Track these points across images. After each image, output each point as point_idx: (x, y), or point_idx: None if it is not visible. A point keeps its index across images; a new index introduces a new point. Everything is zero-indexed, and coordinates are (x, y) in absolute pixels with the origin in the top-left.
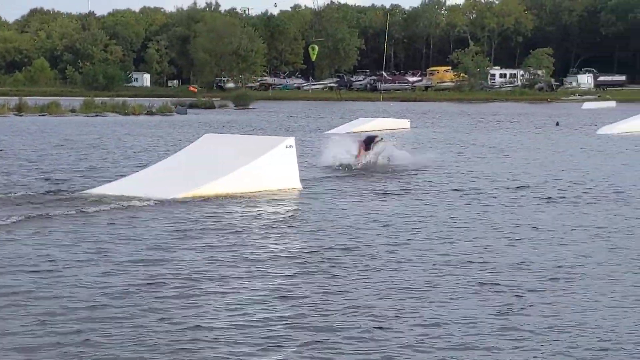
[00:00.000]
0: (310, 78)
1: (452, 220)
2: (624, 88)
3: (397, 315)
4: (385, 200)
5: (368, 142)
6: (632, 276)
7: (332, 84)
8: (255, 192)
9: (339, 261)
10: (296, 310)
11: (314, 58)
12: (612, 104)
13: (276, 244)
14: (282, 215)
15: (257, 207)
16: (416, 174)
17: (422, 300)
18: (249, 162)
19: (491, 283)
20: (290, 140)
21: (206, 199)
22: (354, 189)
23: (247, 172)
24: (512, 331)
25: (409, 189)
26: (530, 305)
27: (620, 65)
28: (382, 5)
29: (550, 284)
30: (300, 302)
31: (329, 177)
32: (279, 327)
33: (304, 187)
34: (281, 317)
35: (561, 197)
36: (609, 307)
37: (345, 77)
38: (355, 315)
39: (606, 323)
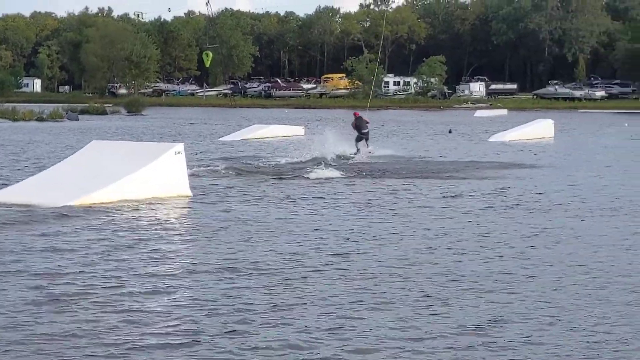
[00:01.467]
0: (205, 84)
1: (343, 229)
2: (514, 96)
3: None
4: (278, 206)
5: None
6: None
7: (226, 91)
8: (143, 199)
9: (228, 266)
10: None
11: (208, 64)
12: (503, 111)
13: (163, 251)
14: (169, 223)
15: (144, 215)
16: (322, 182)
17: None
18: (137, 169)
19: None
20: (180, 147)
21: (92, 207)
22: (245, 195)
23: (135, 179)
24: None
25: (293, 196)
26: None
27: (511, 73)
28: (276, 12)
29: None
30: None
31: (218, 184)
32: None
33: (193, 195)
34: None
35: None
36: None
37: (239, 83)
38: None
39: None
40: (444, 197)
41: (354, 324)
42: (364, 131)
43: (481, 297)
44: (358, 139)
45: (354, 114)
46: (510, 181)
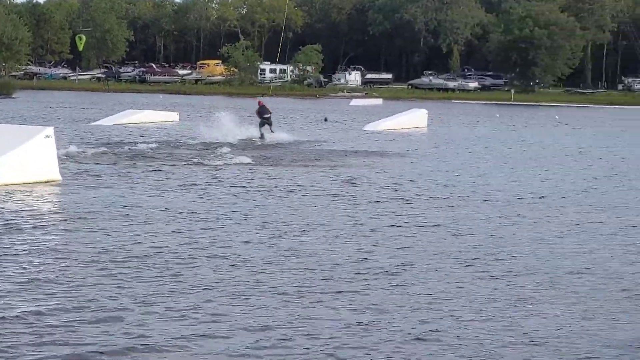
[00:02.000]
0: (77, 68)
1: (206, 212)
2: (390, 86)
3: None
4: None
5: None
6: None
7: (99, 75)
8: (10, 184)
9: (96, 252)
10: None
11: (81, 48)
12: (378, 101)
13: (33, 236)
14: (36, 209)
15: (10, 200)
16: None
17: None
18: (4, 153)
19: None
20: (49, 130)
21: None
22: (113, 179)
23: (2, 164)
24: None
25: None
26: None
27: (387, 63)
28: None
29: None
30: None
31: (88, 169)
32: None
33: (63, 179)
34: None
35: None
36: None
37: (113, 68)
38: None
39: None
40: (310, 185)
41: (237, 310)
42: (266, 116)
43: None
44: (261, 124)
45: (258, 102)
46: (378, 170)
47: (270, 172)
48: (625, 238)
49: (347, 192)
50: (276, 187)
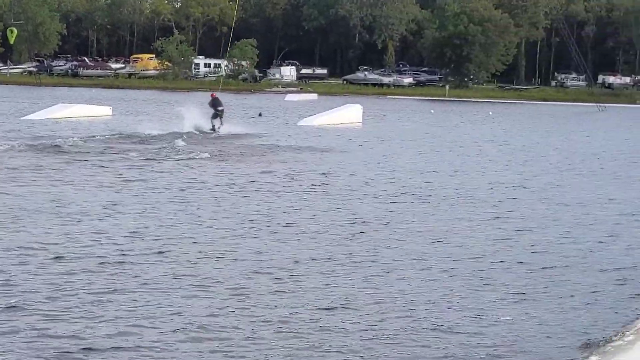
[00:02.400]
0: (8, 61)
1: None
2: (325, 81)
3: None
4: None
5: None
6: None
7: (31, 69)
8: None
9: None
10: None
11: (12, 41)
12: (313, 96)
13: None
14: None
15: None
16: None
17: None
18: None
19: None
20: None
21: None
22: (39, 174)
23: None
24: None
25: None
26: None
27: (321, 59)
28: None
29: None
30: None
31: (15, 162)
32: None
33: None
34: None
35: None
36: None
37: (45, 61)
38: None
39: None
40: (237, 179)
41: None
42: (219, 109)
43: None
44: (214, 116)
45: (211, 95)
46: (311, 164)
47: (220, 167)
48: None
49: (284, 188)
50: (216, 184)
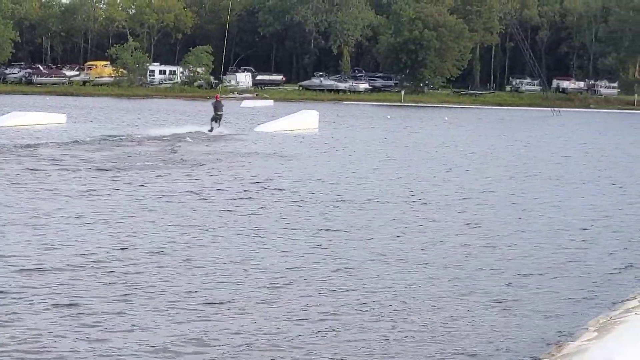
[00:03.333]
0: None
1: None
2: (281, 87)
3: None
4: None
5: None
6: None
7: None
8: None
9: None
10: None
11: None
12: (269, 102)
13: None
14: None
15: None
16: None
17: None
18: None
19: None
20: None
21: None
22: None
23: None
24: None
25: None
26: None
27: (277, 65)
28: None
29: None
30: None
31: None
32: None
33: None
34: None
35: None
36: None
37: None
38: None
39: None
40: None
41: None
42: (219, 113)
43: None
44: (213, 119)
45: (216, 97)
46: (266, 169)
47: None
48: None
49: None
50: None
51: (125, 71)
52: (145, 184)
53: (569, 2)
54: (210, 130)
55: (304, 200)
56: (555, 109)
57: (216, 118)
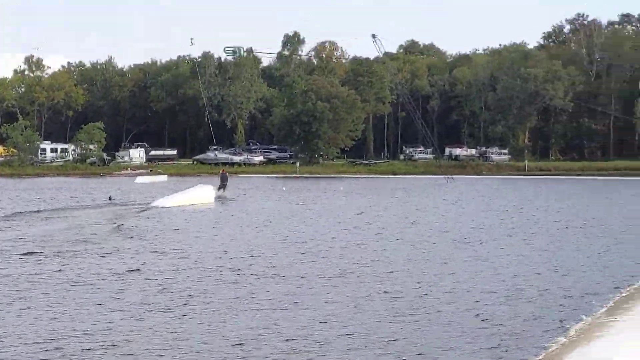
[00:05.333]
0: None
1: None
2: (175, 162)
3: None
4: None
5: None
6: None
7: None
8: None
9: None
10: None
11: None
12: (163, 177)
13: None
14: None
15: None
16: None
17: None
18: None
19: None
20: None
21: None
22: None
23: None
24: None
25: None
26: None
27: (171, 139)
28: None
29: None
30: None
31: None
32: None
33: None
34: None
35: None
36: None
37: None
38: None
39: None
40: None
41: None
42: (224, 182)
43: None
44: (220, 187)
45: (222, 171)
46: (170, 243)
47: None
48: None
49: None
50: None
51: (16, 150)
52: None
53: (458, 71)
54: (219, 197)
55: (220, 271)
56: (449, 176)
57: (222, 186)
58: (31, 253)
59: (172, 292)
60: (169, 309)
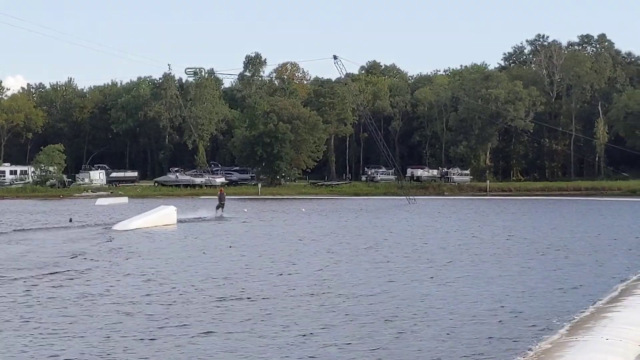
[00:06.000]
0: None
1: None
2: (136, 184)
3: None
4: None
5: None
6: None
7: None
8: None
9: None
10: None
11: None
12: (124, 199)
13: None
14: None
15: None
16: None
17: None
18: None
19: None
20: None
21: None
22: None
23: None
24: None
25: None
26: None
27: (132, 161)
28: None
29: None
30: None
31: None
32: None
33: None
34: None
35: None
36: None
37: None
38: None
39: None
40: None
41: None
42: (222, 202)
43: None
44: (217, 207)
45: (220, 190)
46: (131, 267)
47: None
48: None
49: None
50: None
51: None
52: None
53: (420, 92)
54: (217, 216)
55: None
56: (411, 197)
57: (219, 206)
58: None
59: (138, 316)
60: (138, 332)
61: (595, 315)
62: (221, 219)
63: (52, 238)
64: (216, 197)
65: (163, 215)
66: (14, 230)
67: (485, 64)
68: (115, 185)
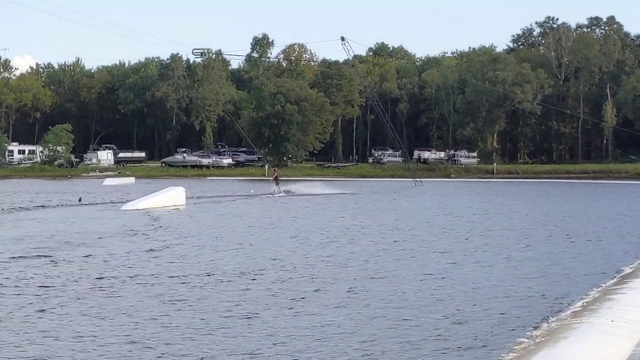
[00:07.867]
0: None
1: None
2: (143, 164)
3: None
4: None
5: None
6: None
7: None
8: None
9: None
10: None
11: None
12: (131, 180)
13: None
14: None
15: None
16: None
17: None
18: None
19: None
20: None
21: None
22: None
23: None
24: None
25: None
26: None
27: (139, 142)
28: None
29: None
30: None
31: None
32: None
33: None
34: None
35: None
36: None
37: None
38: None
39: None
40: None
41: None
42: (278, 180)
43: None
44: (275, 184)
45: (274, 170)
46: (140, 246)
47: None
48: None
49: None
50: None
51: None
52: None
53: (427, 74)
54: (274, 192)
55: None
56: (418, 179)
57: (277, 183)
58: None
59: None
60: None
61: (601, 297)
62: (276, 193)
63: (65, 215)
64: (225, 178)
65: (172, 195)
66: (29, 210)
67: (493, 46)
68: (123, 166)
